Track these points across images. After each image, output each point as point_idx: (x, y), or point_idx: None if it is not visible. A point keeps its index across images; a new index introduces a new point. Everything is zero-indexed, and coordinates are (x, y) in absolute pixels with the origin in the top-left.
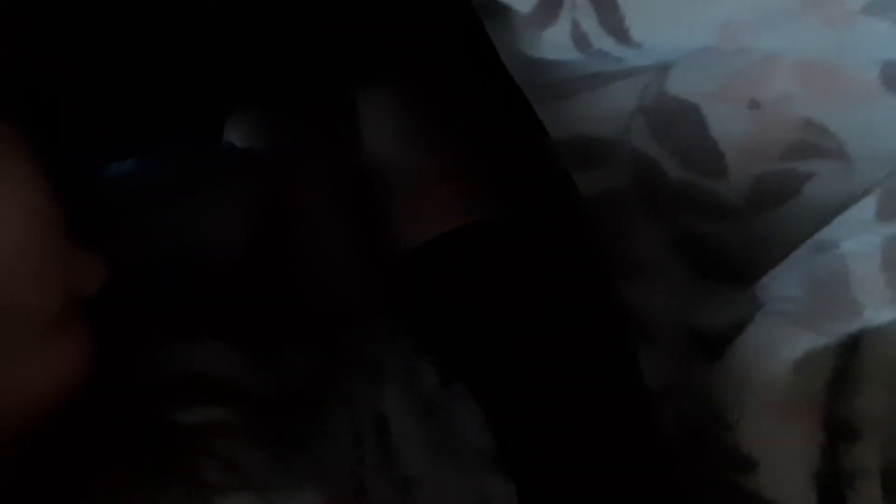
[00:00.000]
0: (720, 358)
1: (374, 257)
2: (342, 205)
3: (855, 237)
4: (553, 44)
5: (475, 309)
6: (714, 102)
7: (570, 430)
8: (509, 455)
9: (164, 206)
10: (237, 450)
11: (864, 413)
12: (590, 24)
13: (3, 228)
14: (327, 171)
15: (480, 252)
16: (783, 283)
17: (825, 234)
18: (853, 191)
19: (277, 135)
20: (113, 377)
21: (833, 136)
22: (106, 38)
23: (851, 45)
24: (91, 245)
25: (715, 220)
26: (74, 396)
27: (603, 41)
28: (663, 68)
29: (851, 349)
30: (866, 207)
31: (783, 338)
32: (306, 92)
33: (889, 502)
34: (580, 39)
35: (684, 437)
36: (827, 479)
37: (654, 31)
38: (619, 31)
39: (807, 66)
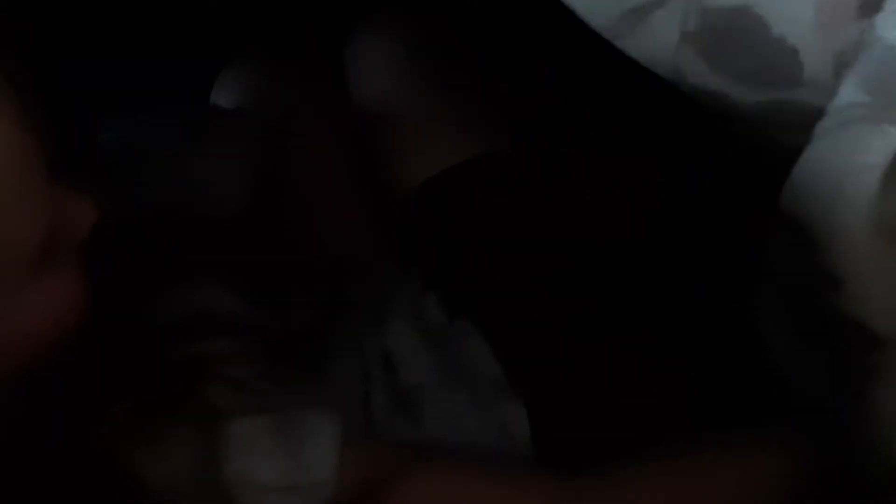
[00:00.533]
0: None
1: (378, 199)
2: (342, 150)
3: None
4: None
5: (481, 242)
6: None
7: (581, 354)
8: (519, 382)
9: (161, 157)
10: (246, 375)
11: None
12: None
13: None
14: (324, 118)
15: (484, 186)
16: (843, 95)
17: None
18: None
19: (271, 86)
20: (114, 319)
21: None
22: None
23: None
24: (82, 188)
25: (805, 133)
26: (73, 338)
27: None
28: None
29: None
30: None
31: (862, 140)
32: (297, 39)
33: None
34: None
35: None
36: None
37: None
38: None
39: None
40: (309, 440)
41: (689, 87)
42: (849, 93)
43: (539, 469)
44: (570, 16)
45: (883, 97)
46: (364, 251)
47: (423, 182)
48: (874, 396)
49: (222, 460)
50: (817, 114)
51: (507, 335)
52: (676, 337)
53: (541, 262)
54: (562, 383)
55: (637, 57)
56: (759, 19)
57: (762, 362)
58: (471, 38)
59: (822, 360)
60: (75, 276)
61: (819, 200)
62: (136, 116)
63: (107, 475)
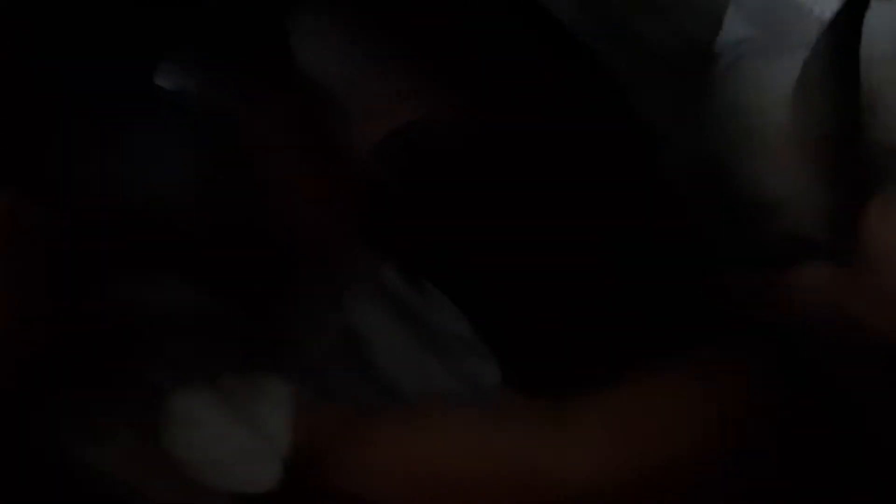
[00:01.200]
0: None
1: (335, 172)
2: (296, 127)
3: None
4: None
5: (438, 200)
6: None
7: (550, 306)
8: (489, 337)
9: (107, 147)
10: (190, 349)
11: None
12: None
13: None
14: (274, 96)
15: (439, 144)
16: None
17: None
18: None
19: (217, 74)
20: (59, 312)
21: None
22: None
23: None
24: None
25: None
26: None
27: None
28: None
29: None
30: None
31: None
32: (238, 25)
33: None
34: None
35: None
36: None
37: None
38: None
39: None
40: (259, 405)
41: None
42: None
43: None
44: None
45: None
46: (327, 228)
47: (373, 146)
48: None
49: (168, 439)
50: None
51: (470, 289)
52: (625, 271)
53: (497, 214)
54: (527, 330)
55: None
56: None
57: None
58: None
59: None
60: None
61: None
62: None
63: (54, 465)
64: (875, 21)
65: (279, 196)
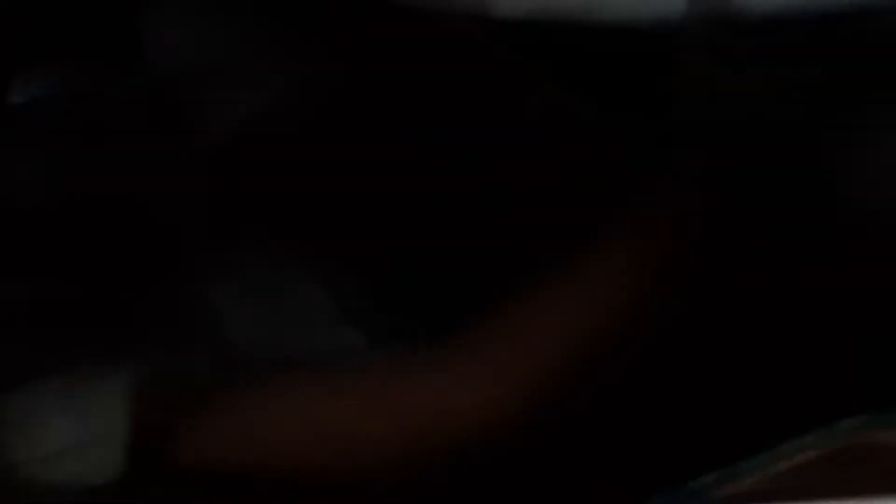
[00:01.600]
0: None
1: (189, 157)
2: (149, 120)
3: None
4: None
5: (297, 180)
6: None
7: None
8: (353, 302)
9: None
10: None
11: None
12: None
13: None
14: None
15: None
16: None
17: None
18: None
19: (73, 76)
20: None
21: None
22: None
23: None
24: None
25: None
26: None
27: None
28: None
29: None
30: None
31: None
32: (87, 22)
33: None
34: None
35: None
36: None
37: None
38: None
39: None
40: (96, 393)
41: None
42: None
43: None
44: None
45: None
46: (181, 209)
47: (236, 125)
48: None
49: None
50: None
51: (335, 264)
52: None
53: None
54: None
55: None
56: None
57: None
58: None
59: None
60: None
61: None
62: None
63: None
64: None
65: (133, 180)
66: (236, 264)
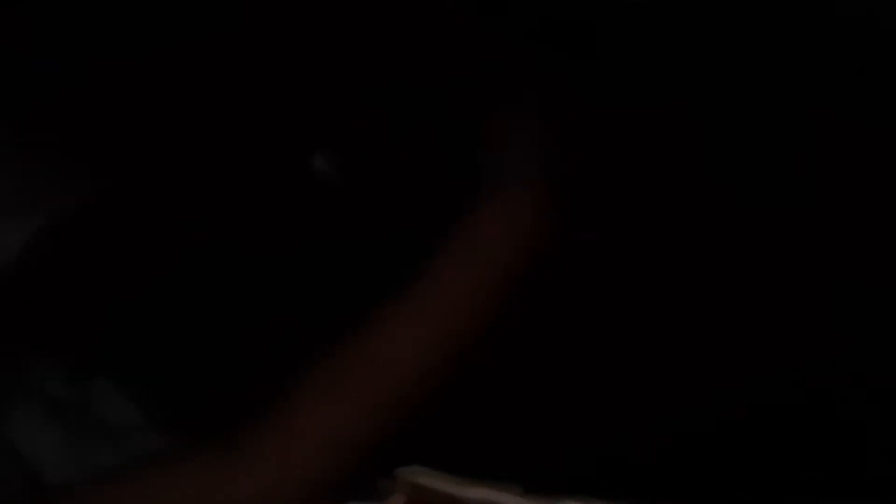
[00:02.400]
0: None
1: None
2: None
3: None
4: None
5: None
6: None
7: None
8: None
9: None
10: None
11: None
12: None
13: None
14: None
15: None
16: None
17: None
18: None
19: None
20: None
21: None
22: None
23: None
24: None
25: None
26: None
27: None
28: None
29: None
30: None
31: None
32: None
33: None
34: None
35: None
36: None
37: None
38: None
39: None
40: None
41: None
42: None
43: None
44: None
45: None
46: None
47: (23, 245)
48: None
49: None
50: None
51: (143, 378)
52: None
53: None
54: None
55: None
56: None
57: None
58: None
59: None
60: None
61: None
62: None
63: None
64: None
65: None
66: (37, 388)
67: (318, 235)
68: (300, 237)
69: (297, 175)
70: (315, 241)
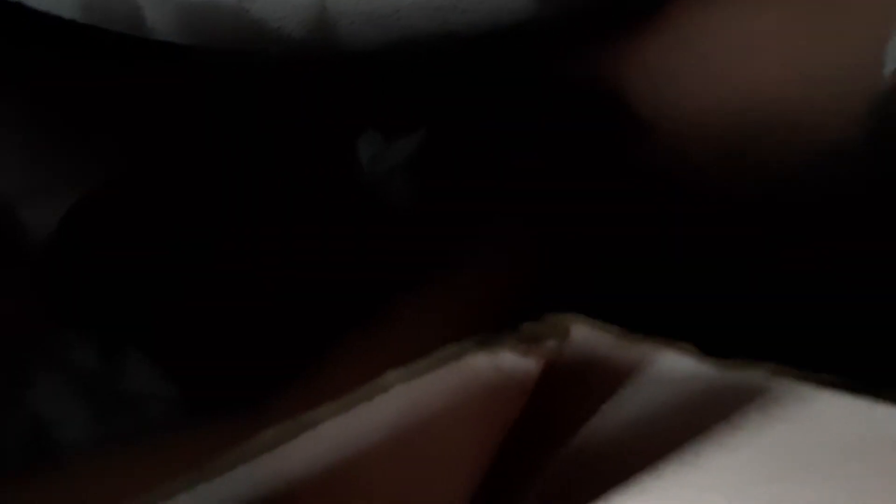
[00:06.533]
0: None
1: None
2: None
3: None
4: None
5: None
6: None
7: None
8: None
9: None
10: None
11: None
12: None
13: None
14: None
15: (118, 210)
16: None
17: None
18: None
19: None
20: None
21: None
22: None
23: None
24: None
25: None
26: None
27: None
28: None
29: None
30: None
31: None
32: None
33: None
34: None
35: None
36: None
37: None
38: None
39: None
40: None
41: None
42: None
43: None
44: None
45: None
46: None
47: (56, 224)
48: None
49: None
50: None
51: (174, 350)
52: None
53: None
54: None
55: None
56: None
57: None
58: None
59: None
60: None
61: None
62: None
63: None
64: None
65: None
66: (66, 364)
67: (353, 215)
68: (336, 215)
69: (341, 157)
70: (351, 219)
